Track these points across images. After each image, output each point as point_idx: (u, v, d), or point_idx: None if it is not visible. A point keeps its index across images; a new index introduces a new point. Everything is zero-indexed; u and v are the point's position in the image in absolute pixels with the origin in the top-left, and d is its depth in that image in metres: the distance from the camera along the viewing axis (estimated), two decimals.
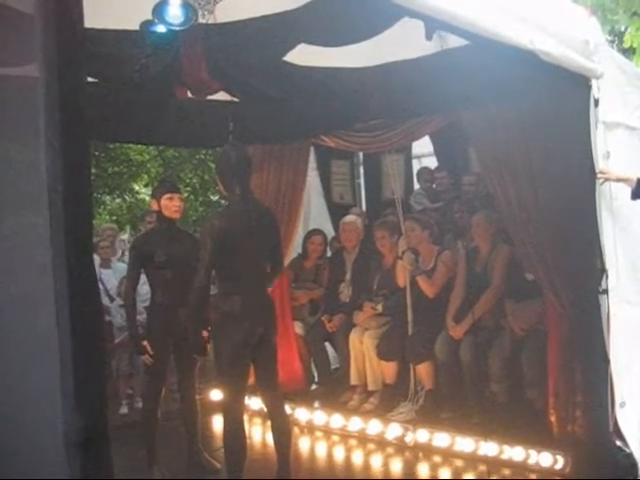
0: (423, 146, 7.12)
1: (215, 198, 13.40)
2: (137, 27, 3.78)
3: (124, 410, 6.47)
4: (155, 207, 4.74)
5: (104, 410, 1.51)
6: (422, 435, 4.98)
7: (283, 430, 4.21)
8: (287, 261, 6.25)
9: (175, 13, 3.50)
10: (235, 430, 4.02)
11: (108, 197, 14.57)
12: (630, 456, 4.06)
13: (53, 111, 1.38)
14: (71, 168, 1.43)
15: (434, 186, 6.93)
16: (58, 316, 1.41)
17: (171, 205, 4.66)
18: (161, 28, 3.68)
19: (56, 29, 1.39)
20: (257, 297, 4.08)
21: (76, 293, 1.45)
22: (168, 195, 4.66)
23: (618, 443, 4.08)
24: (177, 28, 3.57)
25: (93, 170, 12.66)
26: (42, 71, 1.37)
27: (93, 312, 1.49)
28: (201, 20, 3.60)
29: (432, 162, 7.27)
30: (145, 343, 4.62)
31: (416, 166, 7.49)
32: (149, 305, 4.90)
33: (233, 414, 4.01)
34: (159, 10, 3.50)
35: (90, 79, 4.27)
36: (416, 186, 7.27)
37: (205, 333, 4.49)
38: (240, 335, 3.94)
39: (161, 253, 4.62)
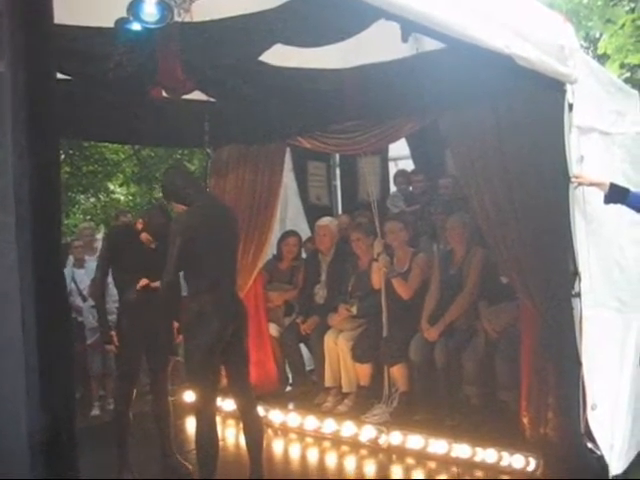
0: (399, 149, 7.14)
1: None
2: (112, 24, 3.74)
3: (96, 412, 6.44)
4: (139, 226, 4.68)
5: (71, 411, 1.48)
6: (396, 437, 4.99)
7: (255, 432, 4.20)
8: (262, 262, 6.24)
9: (151, 11, 3.46)
10: (207, 431, 4.00)
11: (82, 196, 14.46)
12: (601, 458, 4.09)
13: (20, 108, 1.35)
14: (39, 166, 1.40)
15: (410, 189, 6.95)
16: (24, 316, 1.38)
17: (148, 242, 4.62)
18: (136, 26, 3.63)
19: (24, 24, 1.36)
20: (227, 297, 4.07)
21: (43, 293, 1.42)
22: (149, 238, 4.61)
23: (589, 445, 4.11)
24: (152, 26, 3.53)
25: (67, 169, 12.54)
26: (9, 67, 1.34)
27: (60, 312, 1.47)
28: (177, 18, 3.56)
29: (409, 164, 7.29)
30: (113, 333, 4.59)
31: (392, 168, 7.51)
32: (119, 305, 4.84)
33: (205, 415, 3.99)
34: (134, 8, 3.45)
35: (64, 76, 4.23)
36: (392, 188, 7.28)
37: (176, 330, 4.52)
38: (210, 335, 3.93)
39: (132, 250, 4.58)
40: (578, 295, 4.09)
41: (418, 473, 4.68)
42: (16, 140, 1.37)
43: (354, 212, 6.85)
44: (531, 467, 4.37)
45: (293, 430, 5.57)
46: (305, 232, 6.98)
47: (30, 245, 1.41)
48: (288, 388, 6.42)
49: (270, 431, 5.48)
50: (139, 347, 4.62)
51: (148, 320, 4.50)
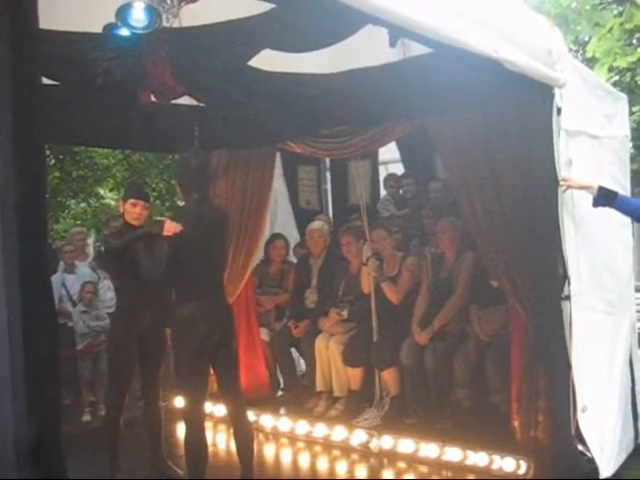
0: (390, 152, 7.14)
1: (182, 204, 13.28)
2: (100, 30, 3.73)
3: (87, 417, 6.39)
4: (121, 209, 4.70)
5: (57, 417, 1.47)
6: (387, 441, 4.99)
7: (245, 437, 4.20)
8: (252, 267, 6.23)
9: (139, 17, 3.44)
10: (196, 436, 3.99)
11: (72, 201, 14.41)
12: (592, 461, 4.10)
13: (5, 112, 1.35)
14: (25, 171, 1.40)
15: (401, 192, 6.95)
16: (10, 322, 1.38)
17: (132, 211, 4.59)
18: (125, 31, 3.63)
19: (9, 27, 1.36)
20: (214, 302, 4.07)
21: (29, 299, 1.41)
22: (132, 201, 4.61)
23: (580, 448, 4.11)
24: (141, 32, 3.52)
25: (57, 173, 12.50)
26: None
27: (47, 319, 1.46)
28: (165, 24, 3.54)
29: (399, 168, 7.29)
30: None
31: (383, 172, 7.50)
32: (114, 311, 4.83)
33: (193, 420, 3.99)
34: (123, 13, 3.44)
35: (52, 82, 4.21)
36: (383, 192, 7.29)
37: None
38: (197, 341, 3.93)
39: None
40: (568, 298, 4.09)
41: (409, 477, 4.68)
42: (2, 146, 1.37)
43: (350, 216, 6.84)
44: (522, 470, 4.38)
45: (284, 435, 5.56)
46: (294, 237, 6.98)
47: (16, 251, 1.41)
48: (279, 393, 6.42)
49: (261, 436, 5.48)
50: (132, 352, 4.61)
51: (140, 325, 4.49)
